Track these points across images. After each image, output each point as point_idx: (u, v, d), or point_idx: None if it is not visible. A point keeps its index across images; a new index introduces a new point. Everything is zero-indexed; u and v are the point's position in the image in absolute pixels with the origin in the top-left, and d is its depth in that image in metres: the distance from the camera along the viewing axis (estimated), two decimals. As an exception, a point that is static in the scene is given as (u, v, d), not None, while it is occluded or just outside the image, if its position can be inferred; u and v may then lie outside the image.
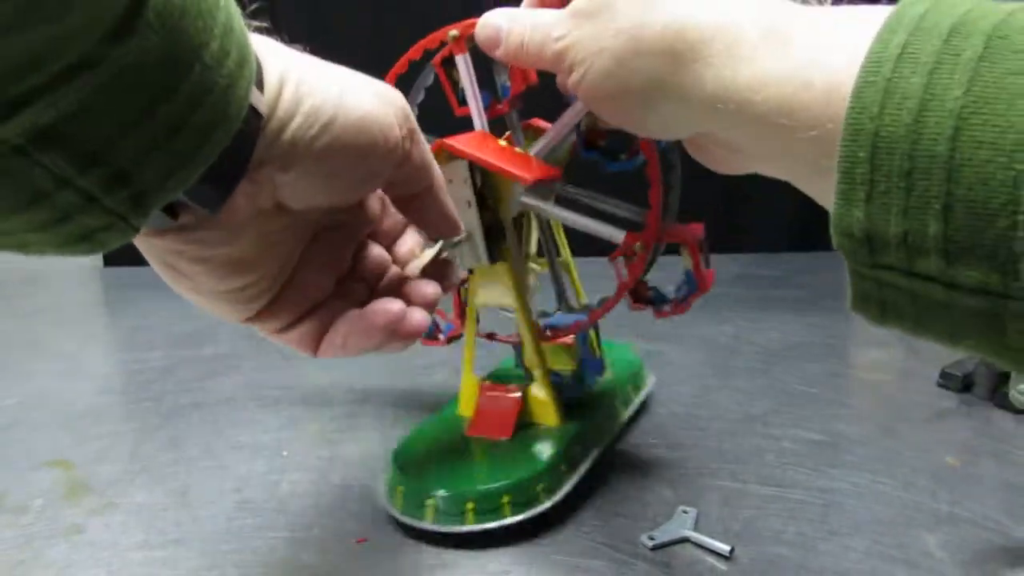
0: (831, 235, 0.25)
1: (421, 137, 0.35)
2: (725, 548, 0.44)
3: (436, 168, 0.36)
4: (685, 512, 0.48)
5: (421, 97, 0.54)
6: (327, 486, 0.52)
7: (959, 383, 0.65)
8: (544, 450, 0.50)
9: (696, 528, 0.47)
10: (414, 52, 0.51)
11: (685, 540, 0.46)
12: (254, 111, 0.27)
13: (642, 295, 0.51)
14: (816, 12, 0.29)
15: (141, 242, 0.30)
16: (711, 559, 0.44)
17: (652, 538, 0.46)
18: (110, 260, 1.17)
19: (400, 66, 0.52)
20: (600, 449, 0.54)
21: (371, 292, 0.38)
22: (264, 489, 0.52)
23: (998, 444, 0.57)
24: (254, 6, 0.30)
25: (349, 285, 0.37)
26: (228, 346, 0.75)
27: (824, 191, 0.26)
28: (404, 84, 0.53)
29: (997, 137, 0.21)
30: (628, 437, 0.58)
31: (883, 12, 0.25)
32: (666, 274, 0.50)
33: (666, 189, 0.48)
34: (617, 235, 0.48)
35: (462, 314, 0.58)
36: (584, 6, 0.35)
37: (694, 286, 0.49)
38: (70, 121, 0.21)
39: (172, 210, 0.28)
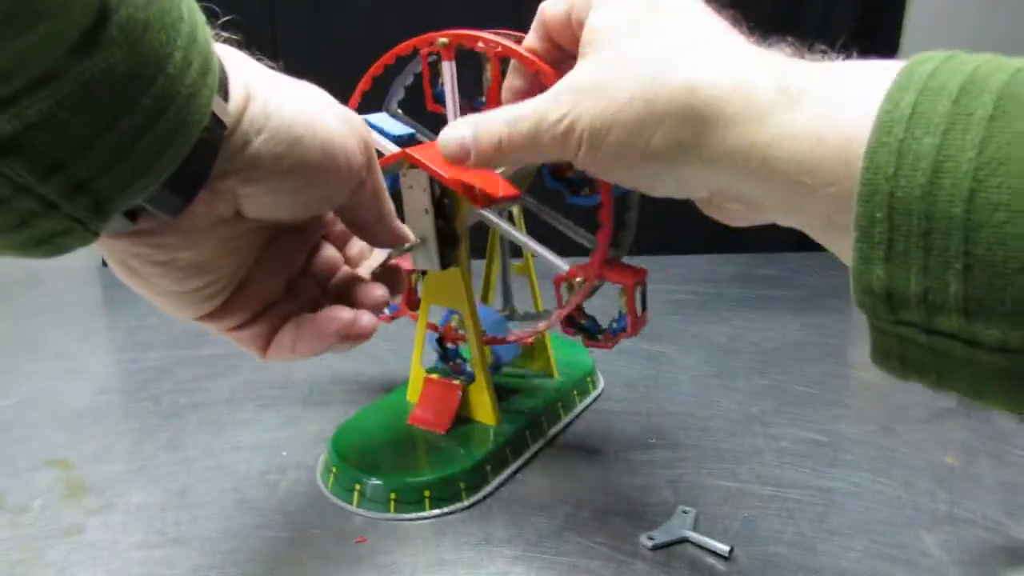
0: (851, 292, 0.25)
1: (377, 167, 0.35)
2: (724, 548, 0.45)
3: (387, 198, 0.37)
4: (685, 512, 0.48)
5: (409, 80, 0.54)
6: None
7: (958, 383, 0.65)
8: (473, 449, 0.52)
9: (695, 528, 0.47)
10: (403, 48, 0.50)
11: (684, 540, 0.46)
12: (217, 121, 0.27)
13: (575, 322, 0.52)
14: (824, 66, 0.29)
15: (100, 243, 0.30)
16: (711, 559, 0.45)
17: (652, 538, 0.46)
18: (108, 260, 1.16)
19: (387, 58, 0.52)
20: (532, 451, 0.55)
21: (322, 291, 0.39)
22: (263, 489, 0.52)
23: (997, 444, 0.57)
24: (226, 19, 0.30)
25: (301, 283, 0.38)
26: (226, 346, 0.74)
27: (840, 245, 0.26)
28: (388, 78, 0.54)
29: (1013, 198, 0.21)
30: (626, 436, 0.58)
31: (891, 66, 0.25)
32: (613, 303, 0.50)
33: (621, 227, 0.50)
34: (562, 266, 0.49)
35: (409, 299, 0.59)
36: (581, 79, 0.34)
37: (623, 327, 0.50)
38: (32, 131, 0.22)
39: (132, 214, 0.28)
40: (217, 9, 0.28)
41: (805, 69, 0.28)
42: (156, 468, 0.54)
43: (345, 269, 0.40)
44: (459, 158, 0.39)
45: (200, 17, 0.26)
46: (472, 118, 0.38)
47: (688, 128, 0.30)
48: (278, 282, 0.37)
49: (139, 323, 0.81)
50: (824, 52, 0.30)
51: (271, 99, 0.29)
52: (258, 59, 0.31)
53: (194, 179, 0.28)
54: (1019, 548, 0.46)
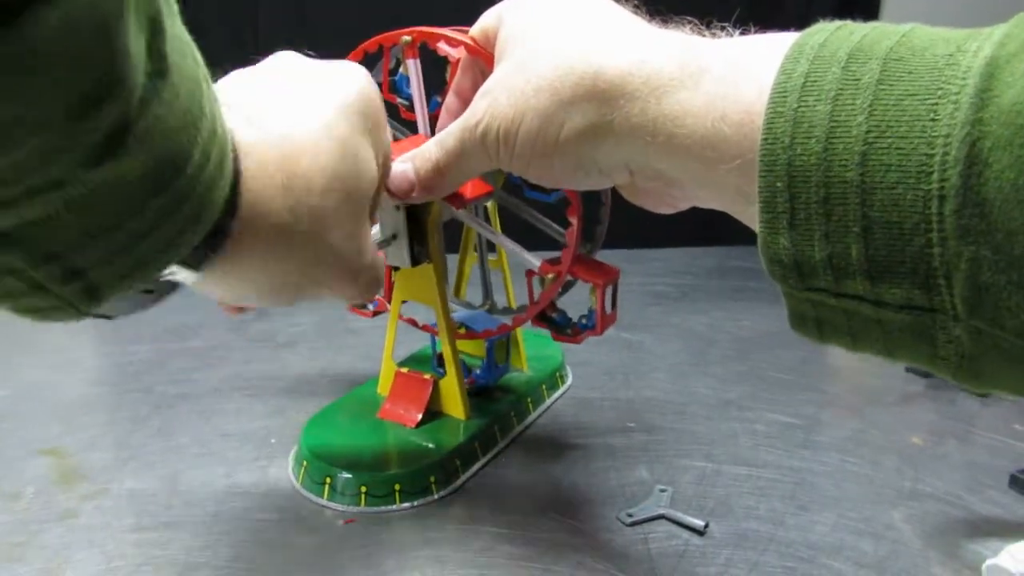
0: (762, 262, 0.26)
1: (388, 153, 0.37)
2: (700, 524, 0.46)
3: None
4: (662, 491, 0.50)
5: (380, 77, 0.55)
6: (315, 471, 0.53)
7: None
8: (443, 443, 0.53)
9: (672, 506, 0.49)
10: (370, 45, 0.51)
11: (661, 517, 0.48)
12: (229, 215, 0.27)
13: (546, 315, 0.53)
14: (722, 42, 0.30)
15: None
16: (686, 534, 0.46)
17: (630, 515, 0.48)
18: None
19: (355, 55, 0.52)
20: (501, 446, 0.56)
21: None
22: (253, 474, 0.53)
23: (961, 425, 0.60)
24: None
25: None
26: (214, 339, 0.76)
27: (752, 217, 0.27)
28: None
29: (903, 159, 0.22)
30: (606, 421, 0.60)
31: (785, 38, 0.26)
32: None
33: (592, 222, 0.52)
34: (533, 262, 0.50)
35: (389, 293, 0.59)
36: (492, 83, 0.35)
37: (592, 325, 0.51)
38: (30, 227, 0.21)
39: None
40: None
41: (704, 46, 0.29)
42: (148, 455, 0.56)
43: None
44: (406, 192, 0.40)
45: (219, 106, 0.26)
46: (412, 151, 0.40)
47: (596, 110, 0.30)
48: None
49: (128, 317, 0.82)
50: (723, 28, 0.31)
51: (281, 185, 0.30)
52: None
53: (195, 266, 0.28)
54: (979, 521, 0.48)
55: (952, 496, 0.50)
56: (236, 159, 0.28)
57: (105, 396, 0.66)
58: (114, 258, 0.23)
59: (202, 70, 0.25)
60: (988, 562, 0.41)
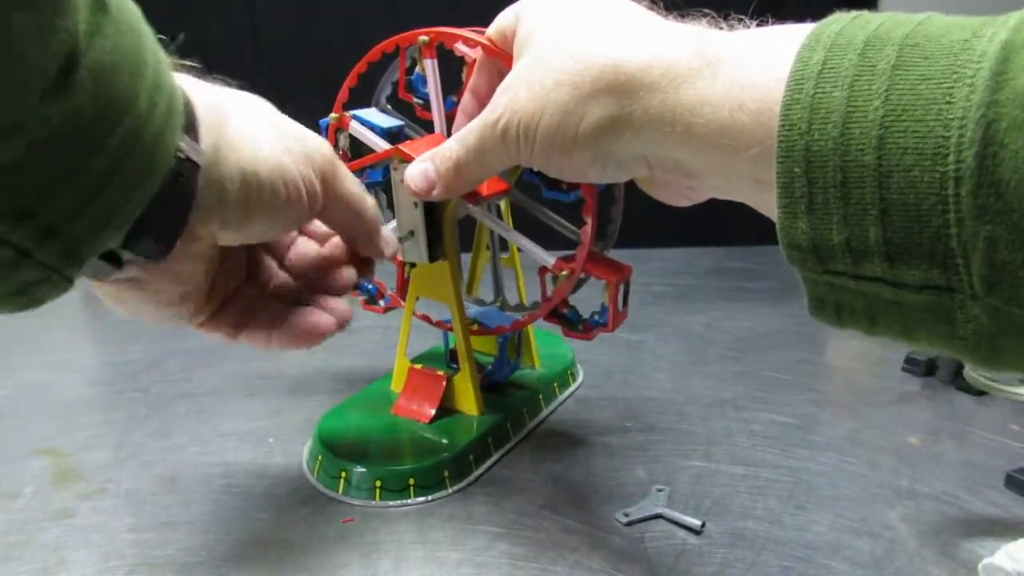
0: (780, 248, 0.26)
1: (345, 181, 0.37)
2: (696, 523, 0.46)
3: (363, 208, 0.39)
4: (659, 490, 0.50)
5: (396, 76, 0.55)
6: (313, 470, 0.54)
7: (923, 368, 0.68)
8: (457, 439, 0.53)
9: (669, 505, 0.49)
10: (387, 44, 0.52)
11: (658, 516, 0.48)
12: (190, 162, 0.28)
13: (557, 311, 0.53)
14: (739, 33, 0.30)
15: (90, 284, 0.31)
16: (683, 533, 0.46)
17: (627, 515, 0.48)
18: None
19: (372, 55, 0.53)
20: (513, 442, 0.57)
21: (279, 263, 0.41)
22: (251, 474, 0.53)
23: (958, 425, 0.60)
24: (177, 41, 0.31)
25: (257, 259, 0.40)
26: (212, 338, 0.76)
27: (770, 205, 0.27)
28: (373, 74, 0.55)
29: (919, 142, 0.22)
30: (604, 421, 0.60)
31: (802, 29, 0.27)
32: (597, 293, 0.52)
33: (605, 221, 0.52)
34: (548, 260, 0.51)
35: (402, 290, 0.60)
36: (511, 79, 0.35)
37: (604, 321, 0.51)
38: (1, 178, 0.22)
39: (118, 260, 0.29)
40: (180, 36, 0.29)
41: (720, 37, 0.30)
42: (146, 455, 0.56)
43: (313, 250, 0.42)
44: (427, 190, 0.41)
45: (164, 60, 0.27)
46: (429, 152, 0.41)
47: (615, 102, 0.31)
48: (239, 270, 0.39)
49: (123, 318, 0.82)
50: (740, 20, 0.31)
51: (236, 144, 0.31)
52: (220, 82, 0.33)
53: (174, 224, 0.29)
54: (975, 521, 0.48)
55: (949, 496, 0.50)
56: (194, 128, 0.29)
57: (103, 396, 0.66)
58: (83, 208, 0.24)
59: (147, 31, 0.26)
60: (984, 561, 0.41)
